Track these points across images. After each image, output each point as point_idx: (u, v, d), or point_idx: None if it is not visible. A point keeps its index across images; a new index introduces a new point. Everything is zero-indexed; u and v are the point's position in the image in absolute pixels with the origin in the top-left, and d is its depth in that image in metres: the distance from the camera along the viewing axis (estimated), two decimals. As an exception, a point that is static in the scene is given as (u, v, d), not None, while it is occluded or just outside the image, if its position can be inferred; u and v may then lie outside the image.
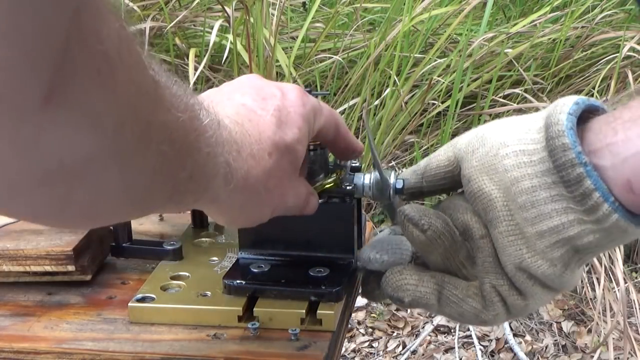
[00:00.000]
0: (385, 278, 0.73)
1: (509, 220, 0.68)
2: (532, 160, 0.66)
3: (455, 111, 2.51)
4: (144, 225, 0.99)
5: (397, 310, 2.43)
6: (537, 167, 0.66)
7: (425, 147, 2.56)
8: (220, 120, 0.61)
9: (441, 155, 0.75)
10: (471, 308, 0.71)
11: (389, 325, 2.40)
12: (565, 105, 0.65)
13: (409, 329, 2.39)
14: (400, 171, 0.87)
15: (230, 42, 2.48)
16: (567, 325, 2.40)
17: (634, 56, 2.57)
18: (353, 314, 2.37)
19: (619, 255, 2.26)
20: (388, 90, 2.50)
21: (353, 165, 0.82)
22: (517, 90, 2.61)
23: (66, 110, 0.41)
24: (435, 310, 0.73)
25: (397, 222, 0.73)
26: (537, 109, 2.62)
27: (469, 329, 2.33)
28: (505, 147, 0.68)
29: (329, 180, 0.79)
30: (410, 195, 0.79)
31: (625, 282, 2.24)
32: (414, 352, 2.30)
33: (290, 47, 2.66)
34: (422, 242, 0.70)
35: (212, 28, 2.53)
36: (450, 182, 0.75)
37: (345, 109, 2.55)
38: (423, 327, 2.38)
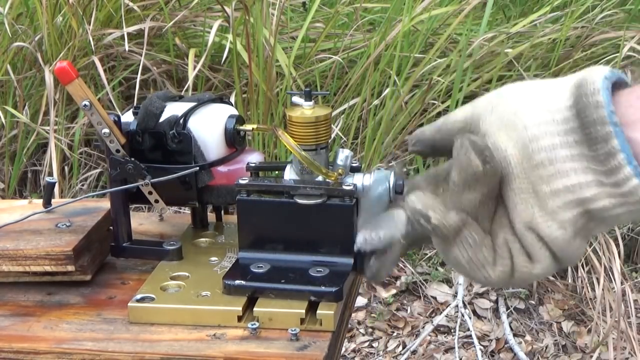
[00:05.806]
0: (415, 195, 0.70)
1: (522, 178, 0.66)
2: (555, 119, 0.65)
3: (455, 111, 2.51)
4: (144, 225, 0.99)
5: (397, 310, 2.43)
6: (560, 125, 0.65)
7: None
8: None
9: (459, 112, 0.73)
10: (482, 257, 0.69)
11: (389, 325, 2.40)
12: (601, 71, 0.65)
13: (409, 329, 2.39)
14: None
15: (230, 42, 2.47)
16: (567, 325, 2.40)
17: (634, 56, 2.56)
18: (353, 314, 2.36)
19: (617, 254, 2.26)
20: (388, 90, 2.50)
21: (353, 165, 0.82)
22: (517, 90, 2.61)
23: None
24: (444, 249, 0.70)
25: (451, 153, 0.69)
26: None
27: (468, 329, 2.33)
28: (526, 105, 0.67)
29: None
30: (422, 150, 0.76)
31: (622, 284, 2.24)
32: (414, 352, 2.30)
33: (290, 47, 2.66)
34: (476, 173, 0.67)
35: (211, 28, 2.53)
36: None
37: (345, 109, 2.55)
38: (423, 327, 2.37)
